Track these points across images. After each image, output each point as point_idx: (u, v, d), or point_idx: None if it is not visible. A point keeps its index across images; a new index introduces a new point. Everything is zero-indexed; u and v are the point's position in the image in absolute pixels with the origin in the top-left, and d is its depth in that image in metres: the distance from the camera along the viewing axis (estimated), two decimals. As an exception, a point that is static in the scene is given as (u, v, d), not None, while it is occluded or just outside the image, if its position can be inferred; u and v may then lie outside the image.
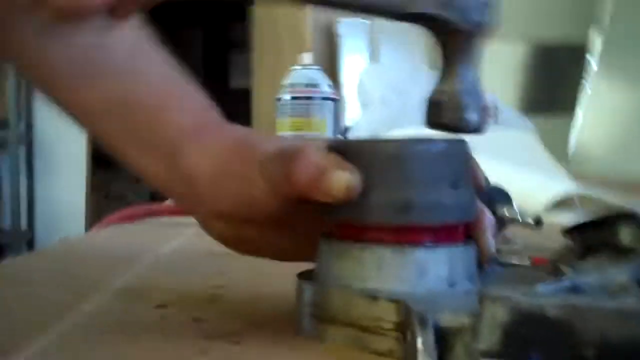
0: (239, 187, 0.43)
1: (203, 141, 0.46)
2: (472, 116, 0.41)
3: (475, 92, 0.41)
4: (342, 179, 0.39)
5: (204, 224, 0.47)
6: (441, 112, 0.42)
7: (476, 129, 0.41)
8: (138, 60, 0.51)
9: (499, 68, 3.29)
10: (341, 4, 0.41)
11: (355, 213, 0.40)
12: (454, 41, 0.41)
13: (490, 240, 0.43)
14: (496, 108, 1.48)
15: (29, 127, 3.65)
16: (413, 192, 0.39)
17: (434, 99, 0.42)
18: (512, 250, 0.59)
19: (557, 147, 1.73)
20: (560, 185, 1.10)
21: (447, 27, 0.40)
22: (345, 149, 0.41)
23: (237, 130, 0.48)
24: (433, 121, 0.42)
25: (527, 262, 0.55)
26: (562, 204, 1.10)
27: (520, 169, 1.13)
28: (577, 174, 1.36)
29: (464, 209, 0.41)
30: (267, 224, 0.44)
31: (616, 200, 1.07)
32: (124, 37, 0.51)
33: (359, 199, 0.40)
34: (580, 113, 2.56)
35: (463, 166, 0.41)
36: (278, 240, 0.46)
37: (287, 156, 0.41)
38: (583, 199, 1.14)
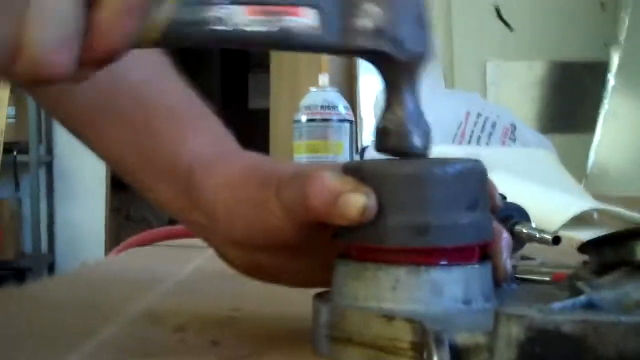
0: (255, 214, 0.44)
1: (218, 170, 0.46)
2: (416, 141, 0.42)
3: (419, 118, 0.43)
4: (357, 202, 0.39)
5: (219, 251, 0.47)
6: (388, 138, 0.43)
7: (421, 153, 0.42)
8: (157, 89, 0.51)
9: (518, 86, 3.30)
10: (271, 44, 0.42)
11: (372, 235, 0.40)
12: (394, 71, 0.42)
13: (506, 259, 0.43)
14: (514, 127, 1.48)
15: (49, 150, 3.68)
16: (430, 215, 0.39)
17: (380, 126, 0.43)
18: (530, 267, 0.58)
19: (575, 164, 1.73)
20: (578, 202, 1.09)
21: (386, 59, 0.41)
22: (361, 171, 0.41)
23: (253, 157, 0.48)
24: (381, 147, 0.44)
25: (547, 278, 0.55)
26: (580, 220, 1.09)
27: (539, 187, 1.12)
28: (595, 191, 1.35)
29: (480, 230, 0.41)
30: (282, 250, 0.45)
31: (635, 216, 1.06)
32: (144, 65, 0.51)
33: (375, 221, 0.40)
34: (598, 130, 2.55)
35: (479, 187, 0.41)
36: (293, 266, 0.46)
37: (302, 181, 0.41)
38: (602, 215, 1.14)
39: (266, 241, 0.44)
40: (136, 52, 0.52)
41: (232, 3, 0.38)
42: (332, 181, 0.40)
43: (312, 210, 0.40)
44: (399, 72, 0.42)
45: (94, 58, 0.34)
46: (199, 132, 0.49)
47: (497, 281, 0.42)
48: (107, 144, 0.51)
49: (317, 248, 0.44)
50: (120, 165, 0.51)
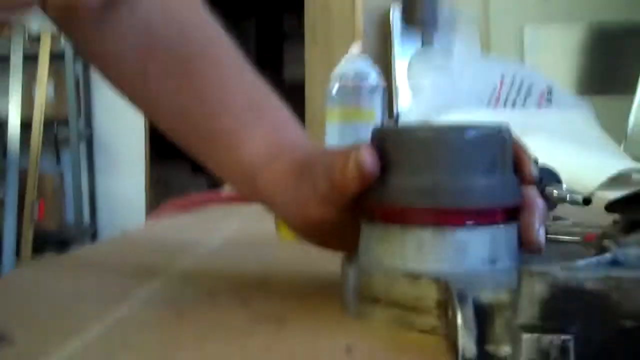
0: (301, 206, 0.47)
1: (272, 169, 0.50)
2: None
3: None
4: (353, 161, 0.41)
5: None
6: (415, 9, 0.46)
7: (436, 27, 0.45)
8: (225, 89, 0.54)
9: (556, 49, 3.24)
10: None
11: (381, 195, 0.41)
12: None
13: (537, 227, 0.42)
14: (550, 90, 1.46)
15: (89, 124, 3.73)
16: (440, 177, 0.40)
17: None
18: (562, 227, 0.58)
19: (615, 126, 1.70)
20: (616, 162, 1.08)
21: None
22: (382, 135, 0.43)
23: (303, 149, 0.50)
24: (407, 19, 0.46)
25: (578, 239, 0.55)
26: (619, 181, 1.08)
27: (575, 148, 1.11)
28: (635, 153, 1.33)
29: (498, 194, 0.41)
30: (334, 232, 0.47)
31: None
32: (220, 64, 0.54)
33: (387, 182, 0.41)
34: (639, 92, 2.50)
35: (497, 152, 0.41)
36: (350, 239, 0.47)
37: (331, 167, 0.44)
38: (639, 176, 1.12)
39: (308, 227, 0.47)
40: (213, 51, 0.54)
41: None
42: (344, 156, 0.42)
43: (335, 186, 0.43)
44: None
45: None
46: (260, 132, 0.52)
47: (526, 246, 0.42)
48: (183, 140, 0.55)
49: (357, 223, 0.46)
50: (195, 156, 0.55)
